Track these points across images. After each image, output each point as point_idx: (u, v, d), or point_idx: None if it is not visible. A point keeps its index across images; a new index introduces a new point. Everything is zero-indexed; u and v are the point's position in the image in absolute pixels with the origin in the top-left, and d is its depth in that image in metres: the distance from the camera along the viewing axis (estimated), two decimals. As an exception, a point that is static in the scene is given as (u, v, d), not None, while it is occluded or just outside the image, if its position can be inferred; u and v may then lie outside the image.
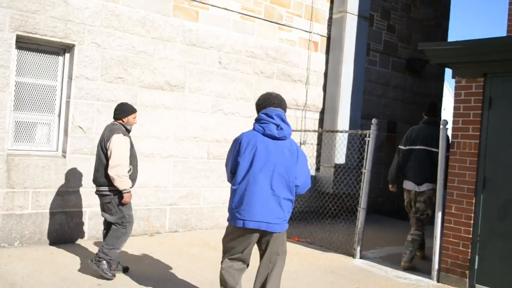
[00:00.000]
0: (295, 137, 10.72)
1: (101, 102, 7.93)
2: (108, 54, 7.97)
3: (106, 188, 6.07)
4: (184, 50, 8.88)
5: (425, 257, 7.97)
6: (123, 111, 6.25)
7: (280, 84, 10.43)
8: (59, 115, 7.83)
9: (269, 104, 4.75)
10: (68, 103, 7.72)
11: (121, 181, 5.93)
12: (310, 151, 11.00)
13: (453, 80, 6.89)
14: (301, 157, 4.70)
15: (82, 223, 7.87)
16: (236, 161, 4.63)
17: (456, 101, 6.84)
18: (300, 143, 10.87)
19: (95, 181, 6.23)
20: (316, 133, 11.10)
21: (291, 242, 8.82)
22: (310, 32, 10.92)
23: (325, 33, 11.24)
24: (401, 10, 13.31)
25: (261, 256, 4.79)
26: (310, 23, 10.93)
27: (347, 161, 10.92)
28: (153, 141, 8.53)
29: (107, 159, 6.00)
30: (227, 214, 4.78)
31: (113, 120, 6.32)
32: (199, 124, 9.11)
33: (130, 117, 6.26)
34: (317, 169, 11.23)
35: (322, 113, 11.34)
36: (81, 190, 7.82)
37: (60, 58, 7.81)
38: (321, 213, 10.53)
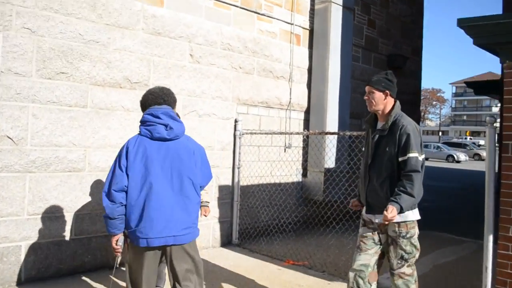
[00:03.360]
0: (281, 139, 8.09)
1: (37, 104, 5.16)
2: (46, 43, 5.21)
3: None
4: (147, 40, 6.14)
5: None
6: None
7: (261, 81, 7.73)
8: (-20, 123, 5.04)
9: (153, 102, 3.54)
10: (-10, 106, 4.95)
11: None
12: (295, 155, 8.34)
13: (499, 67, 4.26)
14: (200, 154, 3.61)
15: (17, 262, 5.10)
16: (126, 175, 3.32)
17: (507, 92, 4.18)
18: (285, 147, 8.20)
19: None
20: (301, 136, 8.41)
21: (284, 267, 6.15)
22: (292, 24, 8.25)
23: (307, 25, 8.58)
24: (380, 5, 10.76)
25: (175, 276, 3.45)
26: (291, 14, 8.25)
27: (338, 164, 8.28)
28: (111, 152, 5.77)
29: None
30: None
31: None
32: (169, 129, 6.36)
33: None
34: (304, 174, 8.56)
35: (307, 112, 8.66)
36: (14, 218, 5.04)
37: (-20, 48, 5.02)
38: (313, 223, 7.90)
